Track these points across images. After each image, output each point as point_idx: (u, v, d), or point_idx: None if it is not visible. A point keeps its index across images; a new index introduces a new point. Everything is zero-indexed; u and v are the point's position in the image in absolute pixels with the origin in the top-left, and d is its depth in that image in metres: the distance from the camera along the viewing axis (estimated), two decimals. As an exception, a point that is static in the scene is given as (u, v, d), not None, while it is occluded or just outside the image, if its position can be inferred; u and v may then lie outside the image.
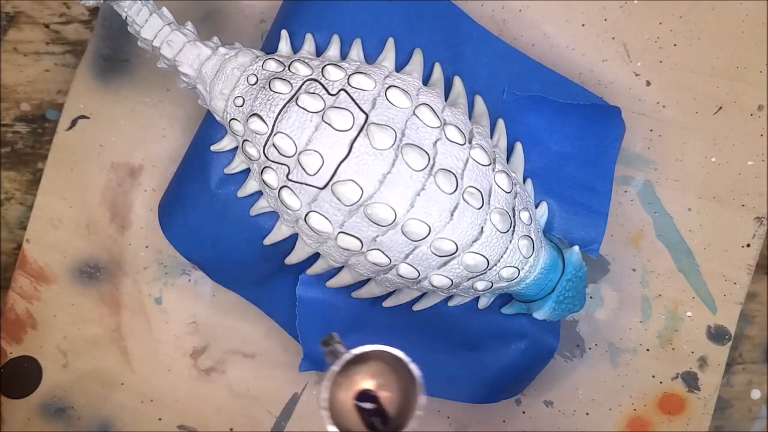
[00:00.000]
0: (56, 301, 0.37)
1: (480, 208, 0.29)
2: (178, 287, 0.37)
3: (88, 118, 0.36)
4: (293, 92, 0.29)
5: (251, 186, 0.31)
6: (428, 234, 0.28)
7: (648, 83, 0.36)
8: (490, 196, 0.29)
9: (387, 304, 0.33)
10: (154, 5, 0.30)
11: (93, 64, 0.36)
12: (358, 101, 0.29)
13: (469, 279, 0.30)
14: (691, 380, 0.36)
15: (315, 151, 0.28)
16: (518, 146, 0.33)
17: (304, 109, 0.28)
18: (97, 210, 0.37)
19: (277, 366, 0.37)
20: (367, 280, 0.32)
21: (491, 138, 0.32)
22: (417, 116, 0.29)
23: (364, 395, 0.23)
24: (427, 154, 0.28)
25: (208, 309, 0.37)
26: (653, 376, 0.36)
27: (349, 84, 0.29)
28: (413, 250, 0.29)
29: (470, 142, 0.30)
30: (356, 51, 0.31)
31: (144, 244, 0.37)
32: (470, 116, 0.32)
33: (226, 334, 0.37)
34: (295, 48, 0.31)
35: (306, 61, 0.30)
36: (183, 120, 0.36)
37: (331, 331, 0.26)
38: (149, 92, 0.36)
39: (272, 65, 0.30)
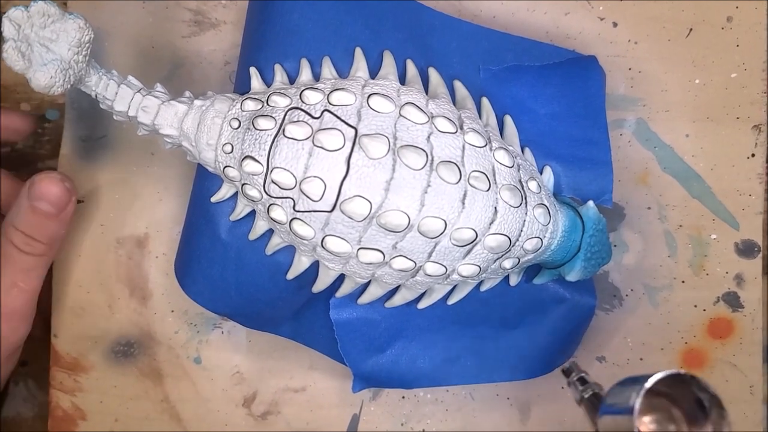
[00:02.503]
0: (98, 387, 0.37)
1: (488, 189, 0.29)
2: (213, 342, 0.37)
3: (82, 201, 0.36)
4: (278, 125, 0.29)
5: (261, 226, 0.31)
6: (445, 228, 0.28)
7: (615, 24, 0.36)
8: (494, 175, 0.29)
9: (422, 305, 0.33)
10: (120, 76, 0.30)
11: (73, 149, 0.36)
12: (343, 117, 0.29)
13: (495, 260, 0.30)
14: (732, 300, 0.36)
15: (315, 176, 0.28)
16: (508, 119, 0.33)
17: (293, 139, 0.28)
18: (114, 288, 0.37)
19: (329, 393, 0.37)
20: (398, 288, 0.32)
21: (480, 119, 0.32)
22: (404, 117, 0.29)
23: None
24: (424, 151, 0.28)
25: (247, 356, 0.37)
26: (695, 306, 0.37)
27: (330, 103, 0.29)
28: (435, 247, 0.29)
29: (462, 128, 0.30)
30: (328, 69, 0.31)
31: (169, 309, 0.37)
32: (454, 103, 0.32)
33: (271, 375, 0.37)
34: (267, 82, 0.31)
35: (282, 91, 0.30)
36: (176, 180, 0.36)
37: (572, 366, 0.26)
38: (135, 161, 0.36)
39: (250, 105, 0.30)
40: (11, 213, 0.33)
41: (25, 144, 0.39)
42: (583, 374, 0.28)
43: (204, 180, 0.32)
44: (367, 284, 0.32)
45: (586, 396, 0.27)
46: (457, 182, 0.28)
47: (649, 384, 0.22)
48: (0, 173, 0.36)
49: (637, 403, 0.22)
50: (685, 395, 0.23)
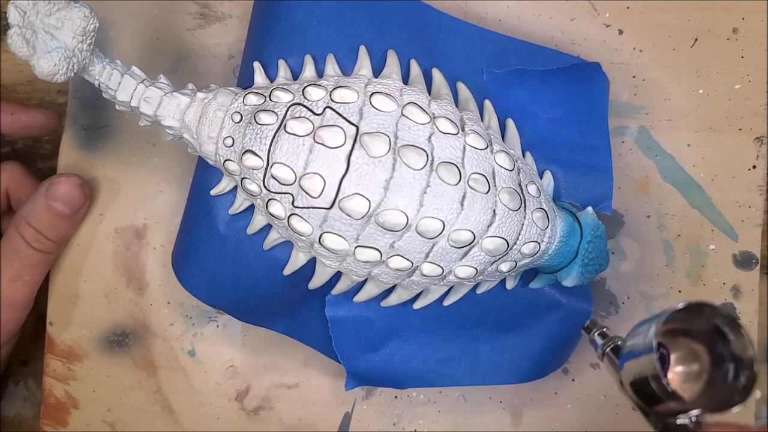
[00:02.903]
0: (92, 376, 0.37)
1: (488, 192, 0.29)
2: (208, 335, 0.37)
3: (83, 191, 0.36)
4: (280, 120, 0.29)
5: (259, 221, 0.31)
6: (443, 229, 0.28)
7: (620, 32, 0.36)
8: (494, 178, 0.29)
9: (417, 305, 0.33)
10: (124, 66, 0.30)
11: (75, 137, 0.36)
12: (345, 115, 0.29)
13: (492, 263, 0.30)
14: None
15: (314, 173, 0.28)
16: (510, 123, 0.33)
17: (294, 134, 0.28)
18: (111, 278, 0.37)
19: (322, 390, 0.37)
20: (394, 287, 0.32)
21: (482, 121, 0.32)
22: (406, 116, 0.29)
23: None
24: (425, 151, 0.28)
25: (242, 350, 0.37)
26: (691, 316, 0.36)
27: (332, 100, 0.29)
28: (432, 247, 0.29)
29: (463, 130, 0.30)
30: (331, 66, 0.31)
31: (165, 301, 0.37)
32: (457, 104, 0.32)
33: (265, 370, 0.37)
34: (271, 77, 0.31)
35: (285, 87, 0.30)
36: (176, 171, 0.36)
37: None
38: (136, 151, 0.36)
39: (253, 99, 0.30)
40: (25, 208, 0.34)
41: (25, 143, 0.39)
42: (604, 329, 0.27)
43: (204, 173, 0.32)
44: (364, 282, 0.32)
45: (608, 350, 0.26)
46: (457, 183, 0.28)
47: (665, 316, 0.21)
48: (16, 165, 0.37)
49: (654, 336, 0.21)
50: (704, 327, 0.22)
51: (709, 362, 0.23)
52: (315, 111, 0.29)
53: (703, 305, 0.22)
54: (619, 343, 0.26)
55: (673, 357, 0.23)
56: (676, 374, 0.23)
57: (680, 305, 0.21)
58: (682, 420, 0.22)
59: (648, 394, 0.22)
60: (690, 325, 0.23)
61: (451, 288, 0.32)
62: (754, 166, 0.36)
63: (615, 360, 0.25)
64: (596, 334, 0.27)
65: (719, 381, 0.22)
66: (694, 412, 0.21)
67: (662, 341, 0.22)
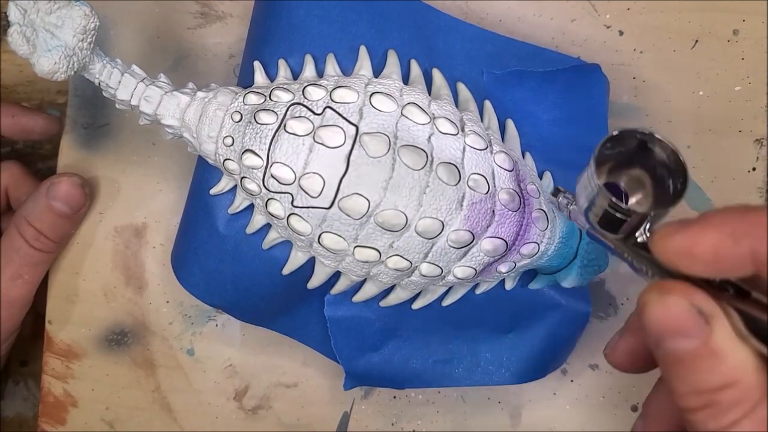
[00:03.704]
0: (91, 374, 0.37)
1: (487, 192, 0.29)
2: (207, 335, 0.37)
3: (83, 190, 0.36)
4: (280, 120, 0.29)
5: (259, 220, 0.31)
6: (442, 229, 0.28)
7: (621, 33, 0.36)
8: (494, 178, 0.29)
9: (416, 305, 0.33)
10: (124, 65, 0.30)
11: (75, 135, 0.36)
12: (345, 115, 0.29)
13: (491, 264, 0.30)
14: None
15: (314, 173, 0.28)
16: (510, 123, 0.33)
17: (294, 134, 0.28)
18: (110, 277, 0.37)
19: (321, 390, 0.37)
20: (393, 287, 0.32)
21: (482, 121, 0.32)
22: (406, 116, 0.29)
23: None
24: (424, 152, 0.28)
25: (241, 349, 0.37)
26: (690, 317, 0.36)
27: (332, 100, 0.29)
28: (431, 248, 0.29)
29: (463, 130, 0.30)
30: (331, 66, 0.31)
31: (164, 300, 0.37)
32: (457, 105, 0.32)
33: (264, 369, 0.37)
34: (271, 77, 0.31)
35: (285, 87, 0.30)
36: (176, 171, 0.36)
37: None
38: (136, 150, 0.36)
39: (253, 98, 0.30)
40: (26, 207, 0.34)
41: (25, 144, 0.39)
42: (567, 192, 0.27)
43: (203, 172, 0.32)
44: (363, 282, 0.32)
45: (572, 206, 0.26)
46: (456, 184, 0.28)
47: (595, 152, 0.22)
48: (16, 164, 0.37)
49: (593, 170, 0.21)
50: (642, 155, 0.23)
51: (652, 184, 0.23)
52: (315, 111, 0.29)
53: (625, 132, 0.22)
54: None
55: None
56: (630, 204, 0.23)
57: (603, 139, 0.22)
58: (641, 237, 0.22)
59: (615, 227, 0.22)
60: (628, 157, 0.23)
61: (450, 288, 0.32)
62: (754, 168, 0.36)
63: (579, 213, 0.25)
64: (562, 197, 0.27)
65: (665, 197, 0.22)
66: (647, 225, 0.22)
67: (610, 181, 0.23)
